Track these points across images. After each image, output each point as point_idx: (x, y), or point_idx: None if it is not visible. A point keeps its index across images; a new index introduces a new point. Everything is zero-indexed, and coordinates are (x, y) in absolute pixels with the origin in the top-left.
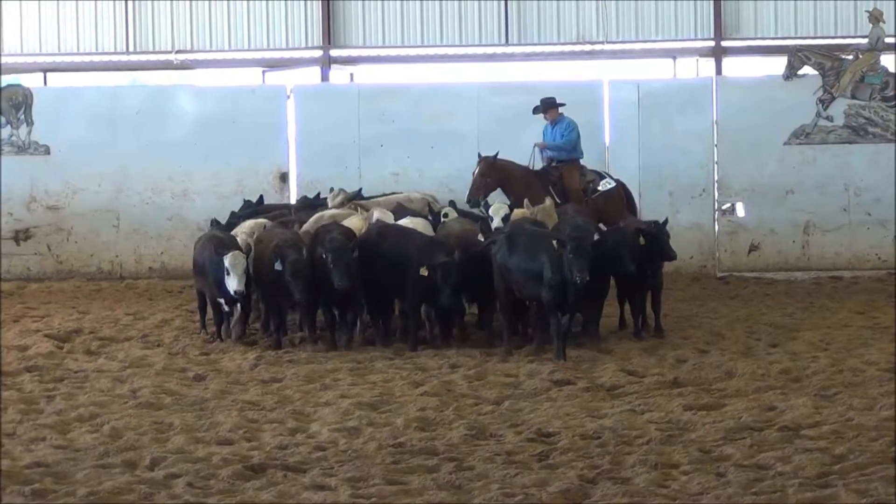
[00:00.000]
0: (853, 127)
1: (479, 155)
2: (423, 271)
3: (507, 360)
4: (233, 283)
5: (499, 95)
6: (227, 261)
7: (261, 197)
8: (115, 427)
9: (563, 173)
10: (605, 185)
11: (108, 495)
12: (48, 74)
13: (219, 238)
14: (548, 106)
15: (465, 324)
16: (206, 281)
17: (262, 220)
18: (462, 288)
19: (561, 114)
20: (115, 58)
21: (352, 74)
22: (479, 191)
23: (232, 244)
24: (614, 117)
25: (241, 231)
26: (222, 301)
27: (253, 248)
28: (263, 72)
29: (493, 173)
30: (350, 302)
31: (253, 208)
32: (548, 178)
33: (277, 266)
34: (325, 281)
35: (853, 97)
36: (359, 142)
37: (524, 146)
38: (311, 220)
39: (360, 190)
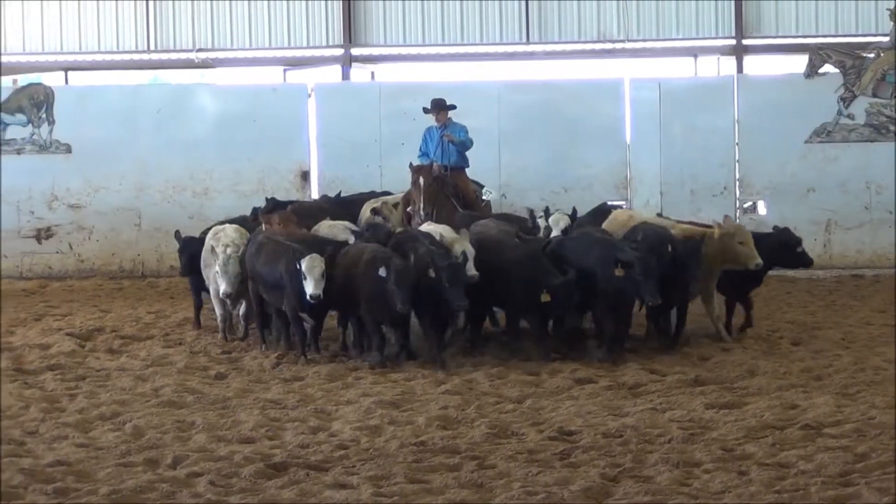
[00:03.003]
0: (874, 125)
1: (411, 164)
2: (545, 297)
3: (528, 358)
4: (309, 287)
5: (520, 94)
6: (303, 264)
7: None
8: (137, 425)
9: (458, 182)
10: (487, 194)
11: (130, 494)
12: (69, 73)
13: (288, 245)
14: (439, 107)
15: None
16: (283, 294)
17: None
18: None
19: (450, 118)
20: (136, 56)
21: (373, 73)
22: (431, 201)
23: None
24: (635, 116)
25: (224, 236)
26: (305, 315)
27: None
28: (284, 70)
29: (435, 183)
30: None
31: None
32: (447, 186)
33: (382, 272)
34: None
35: (874, 95)
36: (380, 140)
37: (545, 144)
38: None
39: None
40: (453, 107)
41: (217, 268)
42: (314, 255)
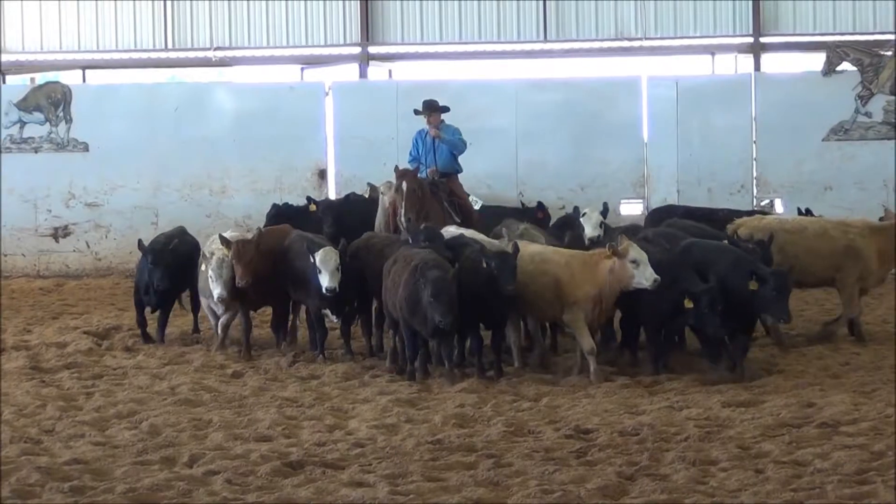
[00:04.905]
0: (892, 123)
1: (397, 167)
2: (688, 303)
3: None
4: (325, 281)
5: (537, 92)
6: (317, 257)
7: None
8: (153, 424)
9: (453, 189)
10: (476, 203)
11: (147, 492)
12: (87, 71)
13: (313, 240)
14: (431, 109)
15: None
16: (309, 291)
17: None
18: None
19: (443, 120)
20: (153, 55)
21: (390, 71)
22: (414, 207)
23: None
24: (653, 113)
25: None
26: (328, 312)
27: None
28: (302, 69)
29: (420, 188)
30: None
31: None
32: (440, 193)
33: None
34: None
35: (892, 93)
36: (397, 138)
37: (562, 142)
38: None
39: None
40: (446, 109)
41: (210, 272)
42: (328, 248)
